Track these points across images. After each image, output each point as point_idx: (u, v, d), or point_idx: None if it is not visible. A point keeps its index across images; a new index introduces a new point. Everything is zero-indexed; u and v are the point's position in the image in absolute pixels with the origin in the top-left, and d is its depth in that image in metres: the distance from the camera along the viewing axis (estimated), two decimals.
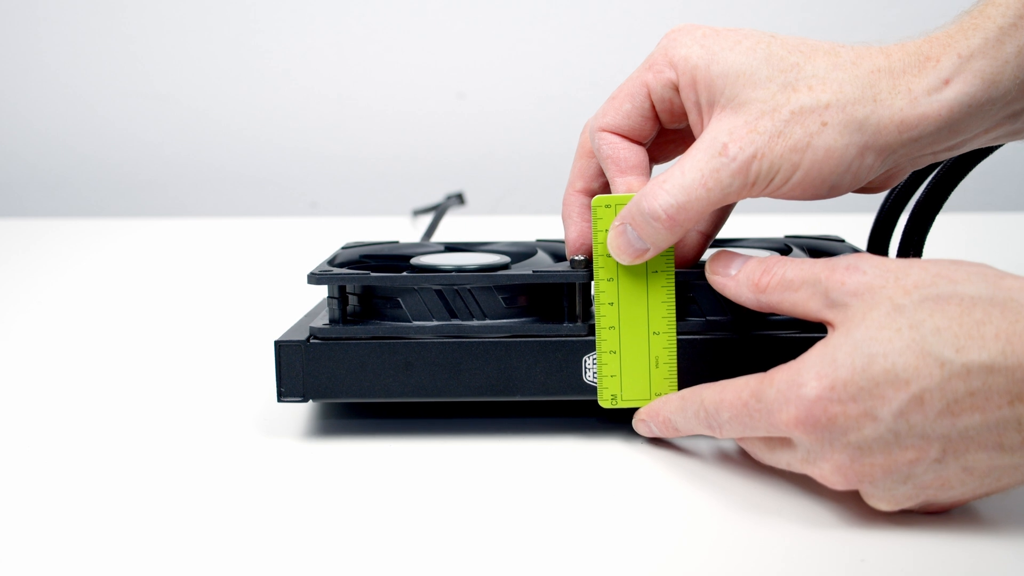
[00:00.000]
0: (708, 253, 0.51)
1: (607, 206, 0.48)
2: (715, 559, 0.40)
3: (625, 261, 0.47)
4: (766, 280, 0.45)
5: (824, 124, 0.44)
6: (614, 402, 0.50)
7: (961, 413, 0.38)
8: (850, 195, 0.48)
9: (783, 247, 0.58)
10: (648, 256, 0.47)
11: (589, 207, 0.50)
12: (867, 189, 0.48)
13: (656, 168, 0.53)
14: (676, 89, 0.47)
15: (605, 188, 0.51)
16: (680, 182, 0.45)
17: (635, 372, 0.49)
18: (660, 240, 0.46)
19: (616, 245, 0.47)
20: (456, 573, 0.39)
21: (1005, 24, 0.44)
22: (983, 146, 0.48)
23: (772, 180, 0.44)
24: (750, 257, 0.47)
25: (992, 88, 0.44)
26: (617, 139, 0.49)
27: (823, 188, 0.45)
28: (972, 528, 0.41)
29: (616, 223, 0.47)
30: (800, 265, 0.44)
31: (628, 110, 0.48)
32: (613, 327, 0.49)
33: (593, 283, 0.49)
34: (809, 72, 0.44)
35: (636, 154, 0.49)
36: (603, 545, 0.41)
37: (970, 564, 0.38)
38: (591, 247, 0.50)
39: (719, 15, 1.30)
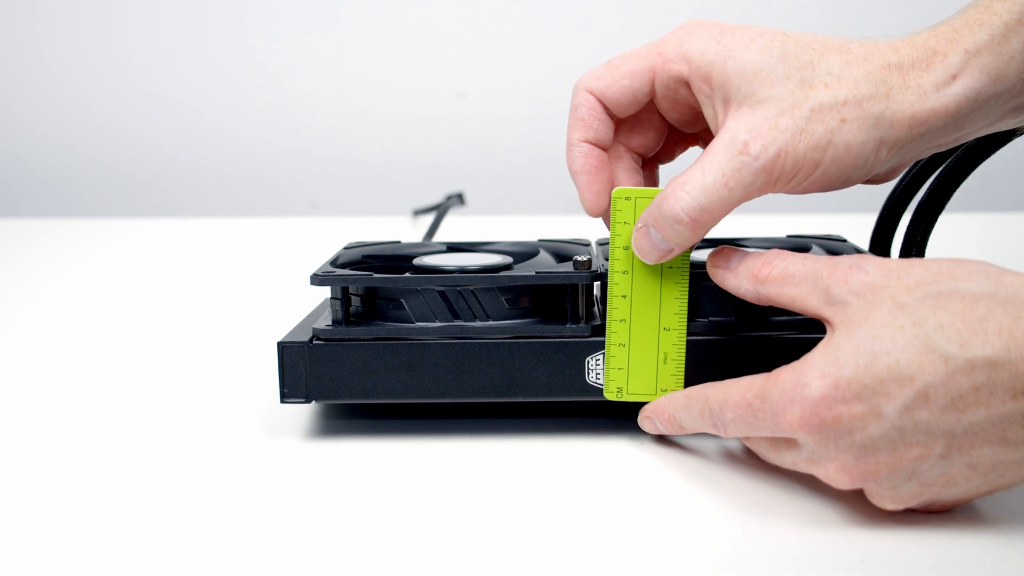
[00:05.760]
0: (705, 253, 0.51)
1: (627, 198, 0.48)
2: (719, 558, 0.40)
3: (651, 261, 0.47)
4: (766, 271, 0.45)
5: (843, 120, 0.44)
6: (619, 395, 0.49)
7: (966, 408, 0.38)
8: (852, 194, 0.48)
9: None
10: (673, 255, 0.47)
11: (596, 156, 0.49)
12: (872, 181, 0.48)
13: (664, 169, 0.53)
14: (684, 82, 0.47)
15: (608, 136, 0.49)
16: (701, 183, 0.45)
17: (643, 366, 0.49)
18: (684, 241, 0.46)
19: (640, 246, 0.47)
20: (461, 573, 0.39)
21: (1011, 20, 0.44)
22: (985, 134, 0.48)
23: (794, 177, 0.45)
24: (751, 251, 0.47)
25: (997, 83, 0.44)
26: (599, 108, 0.48)
27: (838, 182, 0.45)
28: (975, 527, 0.41)
29: (639, 224, 0.47)
30: (803, 260, 0.44)
31: (625, 87, 0.48)
32: (624, 320, 0.49)
33: (608, 275, 0.49)
34: (824, 69, 0.45)
35: (608, 131, 0.49)
36: (608, 543, 0.41)
37: (972, 563, 0.38)
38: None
39: (721, 15, 1.30)
